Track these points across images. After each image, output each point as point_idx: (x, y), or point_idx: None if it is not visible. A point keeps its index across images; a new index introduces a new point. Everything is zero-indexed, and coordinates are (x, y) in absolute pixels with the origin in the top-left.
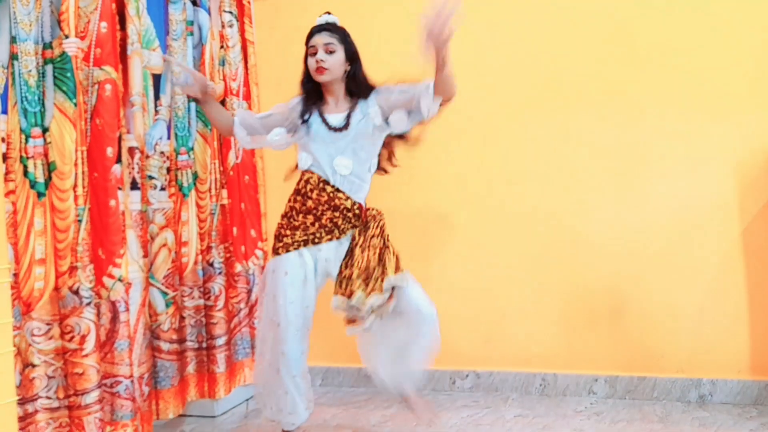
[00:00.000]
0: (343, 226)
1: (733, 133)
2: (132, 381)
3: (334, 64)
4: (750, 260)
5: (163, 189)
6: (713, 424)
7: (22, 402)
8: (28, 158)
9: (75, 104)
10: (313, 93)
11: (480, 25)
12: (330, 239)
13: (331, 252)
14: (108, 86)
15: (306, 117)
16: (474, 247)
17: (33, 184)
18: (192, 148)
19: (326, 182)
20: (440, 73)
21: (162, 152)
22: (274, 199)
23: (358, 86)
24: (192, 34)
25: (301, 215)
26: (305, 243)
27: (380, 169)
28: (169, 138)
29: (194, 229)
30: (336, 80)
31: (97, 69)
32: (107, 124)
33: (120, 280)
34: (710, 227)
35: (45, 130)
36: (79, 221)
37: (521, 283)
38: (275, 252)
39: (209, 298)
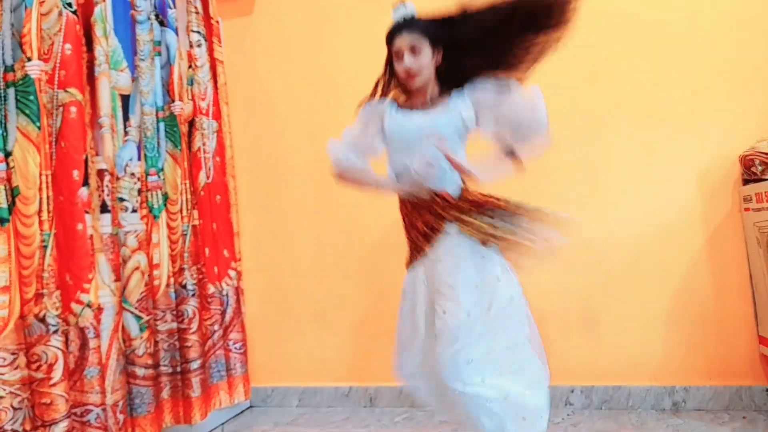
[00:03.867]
0: (436, 225)
1: (696, 142)
2: (104, 409)
3: (423, 65)
4: (716, 267)
5: (134, 211)
6: (687, 431)
7: None
8: None
9: (39, 127)
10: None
11: None
12: (430, 242)
13: (437, 255)
14: (73, 108)
15: (387, 118)
16: None
17: None
18: (162, 169)
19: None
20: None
21: (133, 174)
22: (247, 219)
23: (452, 75)
24: (160, 54)
25: (408, 233)
26: (415, 258)
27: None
28: (139, 159)
29: (165, 251)
30: (429, 81)
31: (62, 91)
32: (73, 146)
33: (89, 305)
34: (676, 236)
35: (8, 155)
36: (45, 247)
37: None
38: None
39: (182, 321)
